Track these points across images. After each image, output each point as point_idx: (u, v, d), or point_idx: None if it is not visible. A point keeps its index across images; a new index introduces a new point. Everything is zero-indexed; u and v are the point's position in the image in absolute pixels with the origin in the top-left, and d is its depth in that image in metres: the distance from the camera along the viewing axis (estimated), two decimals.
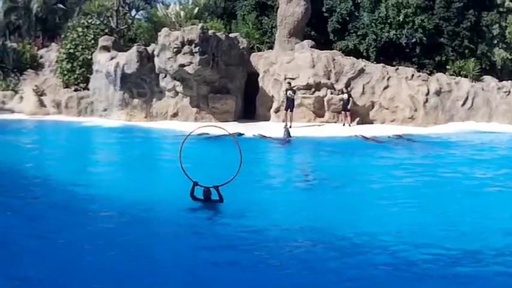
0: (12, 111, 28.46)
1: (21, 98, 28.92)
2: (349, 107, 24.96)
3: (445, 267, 9.06)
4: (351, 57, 27.02)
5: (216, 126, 14.29)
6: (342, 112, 25.23)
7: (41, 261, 9.06)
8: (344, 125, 24.92)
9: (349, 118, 24.95)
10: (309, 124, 25.11)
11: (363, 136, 22.24)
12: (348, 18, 29.28)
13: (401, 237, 10.43)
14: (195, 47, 24.44)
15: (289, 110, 24.46)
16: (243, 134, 21.70)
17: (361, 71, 26.04)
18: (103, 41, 27.57)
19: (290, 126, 23.55)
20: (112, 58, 26.64)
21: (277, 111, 25.69)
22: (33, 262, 9.02)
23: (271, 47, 29.24)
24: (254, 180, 14.35)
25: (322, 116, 25.69)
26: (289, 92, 24.53)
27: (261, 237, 10.42)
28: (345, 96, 25.07)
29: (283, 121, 24.32)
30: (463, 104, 25.95)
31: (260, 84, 26.65)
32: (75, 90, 28.47)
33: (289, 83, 25.00)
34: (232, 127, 20.01)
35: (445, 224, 11.32)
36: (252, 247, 9.90)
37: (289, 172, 17.11)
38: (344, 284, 8.53)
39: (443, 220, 11.61)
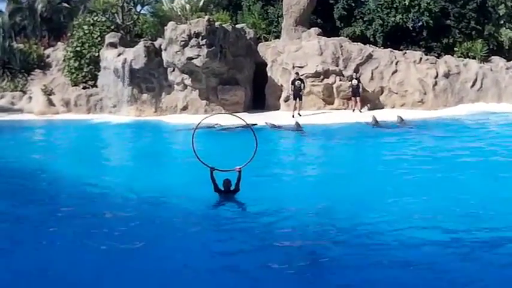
0: (21, 111, 28.40)
1: (30, 98, 28.93)
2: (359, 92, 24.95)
3: None
4: (358, 43, 26.96)
5: (232, 115, 14.34)
6: (352, 98, 25.19)
7: None
8: (354, 111, 24.87)
9: (359, 104, 24.92)
10: (318, 112, 25.08)
11: (375, 120, 22.06)
12: (353, 5, 29.24)
13: None
14: (202, 39, 24.40)
15: (298, 99, 24.47)
16: (256, 124, 21.68)
17: (369, 56, 25.97)
18: (109, 37, 27.63)
19: (299, 115, 23.62)
20: (119, 54, 26.69)
21: (286, 100, 25.67)
22: None
23: (278, 37, 29.17)
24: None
25: (332, 103, 25.70)
26: (297, 81, 24.53)
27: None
28: (354, 81, 25.04)
29: (294, 110, 24.30)
30: (472, 86, 25.85)
31: (269, 74, 26.64)
32: (84, 88, 28.57)
33: (297, 73, 25.00)
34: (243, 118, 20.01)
35: None
36: None
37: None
38: None
39: None
